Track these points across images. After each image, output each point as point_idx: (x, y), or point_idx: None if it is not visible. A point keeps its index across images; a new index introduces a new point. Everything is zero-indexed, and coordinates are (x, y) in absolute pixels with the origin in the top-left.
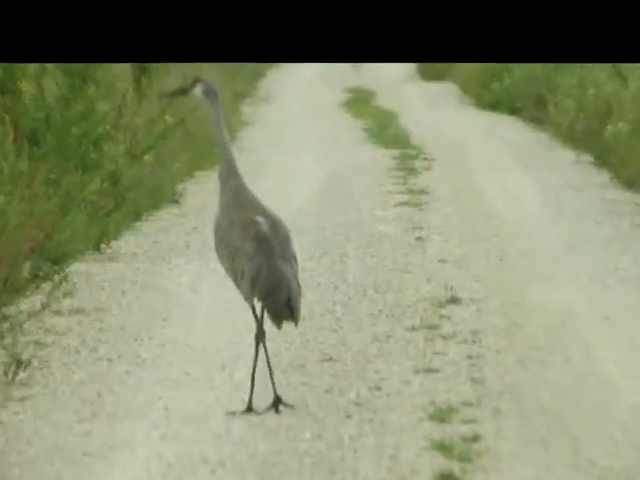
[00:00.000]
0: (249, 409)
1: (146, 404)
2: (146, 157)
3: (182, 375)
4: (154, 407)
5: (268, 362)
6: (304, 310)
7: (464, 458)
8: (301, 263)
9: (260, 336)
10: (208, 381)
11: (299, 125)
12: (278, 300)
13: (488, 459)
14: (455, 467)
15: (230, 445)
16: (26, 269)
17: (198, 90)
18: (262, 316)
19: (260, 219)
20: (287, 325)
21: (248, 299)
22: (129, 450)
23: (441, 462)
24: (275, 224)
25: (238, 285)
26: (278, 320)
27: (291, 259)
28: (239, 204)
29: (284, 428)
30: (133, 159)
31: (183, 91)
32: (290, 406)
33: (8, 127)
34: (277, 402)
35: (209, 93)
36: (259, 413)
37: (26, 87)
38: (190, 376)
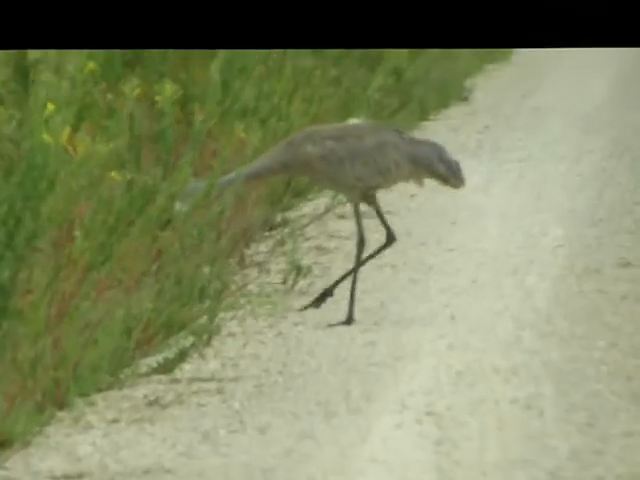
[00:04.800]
0: (349, 320)
1: (432, 313)
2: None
3: (470, 282)
4: (440, 316)
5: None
6: (602, 211)
7: None
8: (600, 161)
9: (361, 244)
10: (497, 288)
11: None
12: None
13: None
14: None
15: (521, 354)
16: None
17: (183, 201)
18: (361, 225)
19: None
20: (583, 228)
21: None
22: (415, 360)
23: None
24: None
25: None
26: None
27: None
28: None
29: (577, 337)
30: (416, 52)
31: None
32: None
33: None
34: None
35: (191, 192)
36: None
37: None
38: (478, 283)
